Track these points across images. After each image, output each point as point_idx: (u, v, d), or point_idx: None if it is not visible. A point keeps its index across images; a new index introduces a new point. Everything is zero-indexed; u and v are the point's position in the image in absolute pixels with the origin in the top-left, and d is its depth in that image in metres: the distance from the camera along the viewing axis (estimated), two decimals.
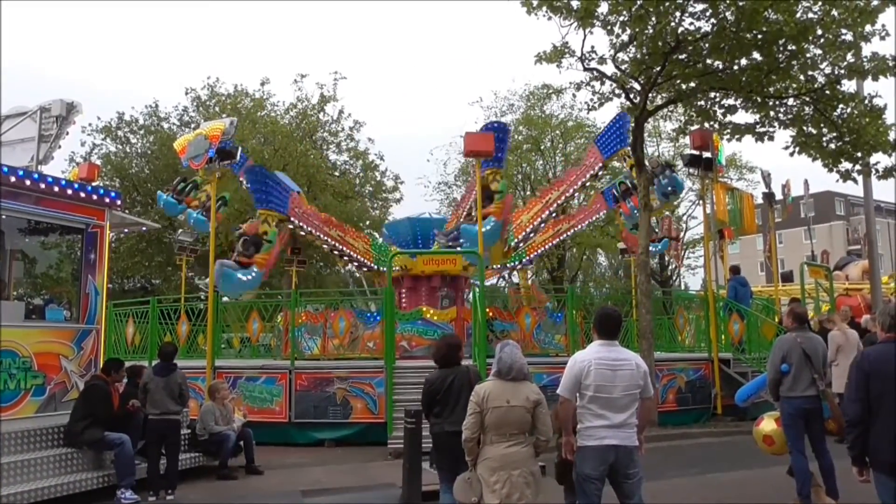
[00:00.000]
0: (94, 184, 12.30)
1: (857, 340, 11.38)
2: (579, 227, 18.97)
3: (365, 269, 18.47)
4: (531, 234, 17.66)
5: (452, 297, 17.03)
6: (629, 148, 15.60)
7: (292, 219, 16.04)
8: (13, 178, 8.80)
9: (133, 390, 9.42)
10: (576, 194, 17.30)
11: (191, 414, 10.88)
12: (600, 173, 16.94)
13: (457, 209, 18.82)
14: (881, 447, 4.58)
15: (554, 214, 17.72)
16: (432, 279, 17.43)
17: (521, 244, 17.62)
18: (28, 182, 9.01)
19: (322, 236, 17.11)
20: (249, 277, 14.00)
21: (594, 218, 19.01)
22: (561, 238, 18.58)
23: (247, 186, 15.82)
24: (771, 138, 13.19)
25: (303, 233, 16.92)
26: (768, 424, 7.93)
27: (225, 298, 15.84)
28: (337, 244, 17.45)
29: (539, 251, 18.82)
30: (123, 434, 8.74)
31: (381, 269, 17.67)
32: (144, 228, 14.71)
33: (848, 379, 5.02)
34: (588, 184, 17.06)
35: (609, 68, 12.95)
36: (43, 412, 9.01)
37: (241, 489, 9.63)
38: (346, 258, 17.99)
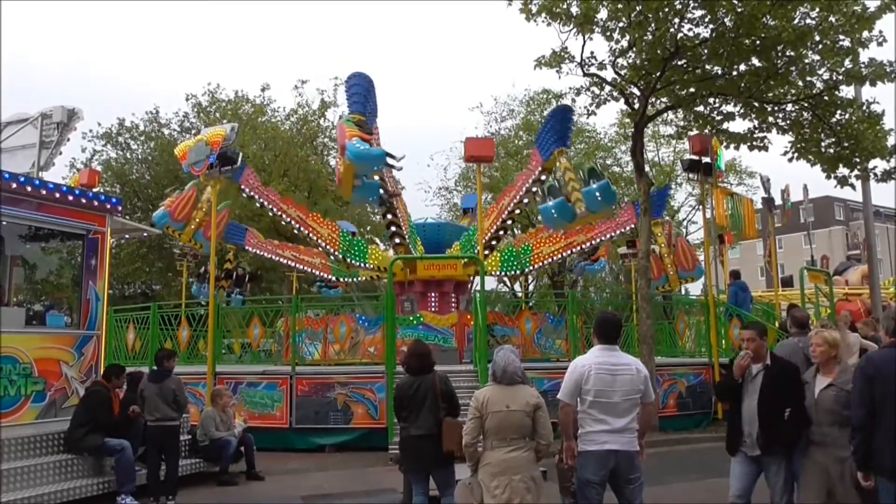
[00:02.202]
0: (94, 190, 12.33)
1: (857, 346, 11.38)
2: (599, 239, 18.16)
3: (332, 258, 18.38)
4: (493, 242, 17.57)
5: (414, 300, 16.95)
6: (567, 148, 15.17)
7: (243, 187, 16.76)
8: (14, 185, 8.82)
9: (133, 396, 9.41)
10: (524, 200, 16.80)
11: (191, 420, 10.87)
12: (543, 177, 16.07)
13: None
14: (884, 451, 4.60)
15: (510, 221, 17.54)
16: (438, 283, 17.44)
17: (486, 251, 17.47)
18: (29, 188, 9.03)
19: (276, 210, 17.22)
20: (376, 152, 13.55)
21: (619, 232, 18.15)
22: (574, 249, 18.12)
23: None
24: (765, 148, 13.24)
25: (257, 204, 17.51)
26: None
27: (226, 304, 15.88)
28: (294, 222, 17.43)
29: (547, 261, 18.56)
30: (124, 440, 8.72)
31: (350, 260, 17.67)
32: (145, 234, 14.74)
33: (852, 384, 5.05)
34: (534, 189, 16.39)
35: (609, 74, 13.00)
36: (43, 418, 9.00)
37: (242, 495, 9.62)
38: (310, 238, 17.85)
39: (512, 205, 16.85)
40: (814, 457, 5.39)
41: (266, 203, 17.09)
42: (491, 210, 18.07)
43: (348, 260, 17.73)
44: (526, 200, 16.78)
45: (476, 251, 15.19)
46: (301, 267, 19.28)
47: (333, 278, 18.19)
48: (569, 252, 17.97)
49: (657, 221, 15.69)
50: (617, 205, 16.18)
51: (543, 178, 15.56)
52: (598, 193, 13.42)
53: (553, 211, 14.09)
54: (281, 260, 19.20)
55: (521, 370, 5.53)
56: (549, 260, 18.15)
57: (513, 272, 18.82)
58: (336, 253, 17.65)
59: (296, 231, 17.83)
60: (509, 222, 17.54)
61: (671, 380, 14.40)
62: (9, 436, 8.33)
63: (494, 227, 17.15)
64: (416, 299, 16.67)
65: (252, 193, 16.99)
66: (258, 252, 18.16)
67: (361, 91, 15.05)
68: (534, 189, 16.06)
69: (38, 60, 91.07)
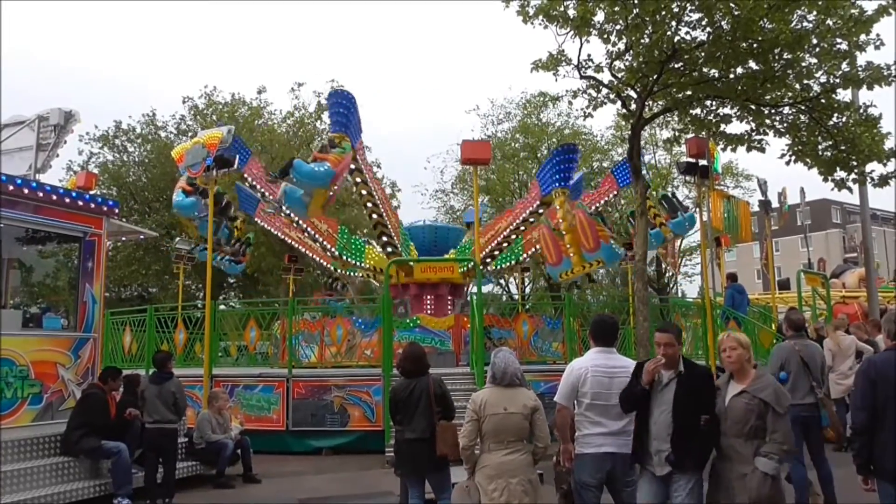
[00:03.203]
0: (91, 192, 12.30)
1: (852, 346, 11.42)
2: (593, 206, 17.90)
3: (389, 250, 18.24)
4: (488, 260, 17.57)
5: (408, 304, 17.00)
6: (568, 188, 14.70)
7: (245, 176, 16.83)
8: (11, 187, 8.82)
9: (130, 399, 9.40)
10: (520, 228, 16.82)
11: (188, 422, 10.86)
12: (540, 210, 16.02)
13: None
14: (885, 455, 4.59)
15: (505, 244, 17.56)
16: (433, 286, 17.46)
17: (485, 268, 17.43)
18: (26, 190, 9.02)
19: (373, 189, 17.11)
20: (322, 169, 13.76)
21: (603, 202, 18.43)
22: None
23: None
24: (762, 149, 13.25)
25: (358, 178, 16.98)
26: None
27: (223, 306, 15.85)
28: (380, 206, 17.31)
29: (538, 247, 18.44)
30: (120, 443, 8.72)
31: (346, 258, 17.67)
32: (142, 237, 14.72)
33: (854, 387, 5.03)
34: (532, 220, 16.38)
35: (605, 76, 12.99)
36: (40, 421, 8.99)
37: (239, 498, 9.61)
38: (380, 228, 17.79)
39: (508, 230, 16.87)
40: (717, 471, 5.02)
41: (267, 194, 17.11)
42: (488, 228, 18.04)
43: (344, 258, 17.73)
44: (522, 228, 16.76)
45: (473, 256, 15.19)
46: (303, 250, 18.91)
47: (337, 253, 17.95)
48: (496, 243, 17.55)
49: (562, 190, 14.99)
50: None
51: (541, 211, 15.55)
52: (686, 224, 15.59)
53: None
54: (285, 239, 18.84)
55: (520, 372, 5.54)
56: (485, 251, 18.00)
57: (508, 263, 18.76)
58: (332, 250, 17.64)
59: (294, 226, 17.85)
60: (505, 245, 17.54)
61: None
62: (5, 438, 8.33)
63: (489, 246, 17.18)
64: (409, 303, 16.70)
65: (255, 183, 17.02)
66: (254, 185, 17.59)
67: (343, 110, 15.10)
68: (531, 219, 16.13)
69: (35, 62, 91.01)
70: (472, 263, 14.38)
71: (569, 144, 16.17)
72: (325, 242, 17.53)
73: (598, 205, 17.62)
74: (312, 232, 17.46)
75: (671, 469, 4.99)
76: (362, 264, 17.85)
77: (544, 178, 15.45)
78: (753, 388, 4.89)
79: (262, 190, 17.30)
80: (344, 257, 17.69)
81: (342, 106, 14.90)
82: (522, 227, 16.68)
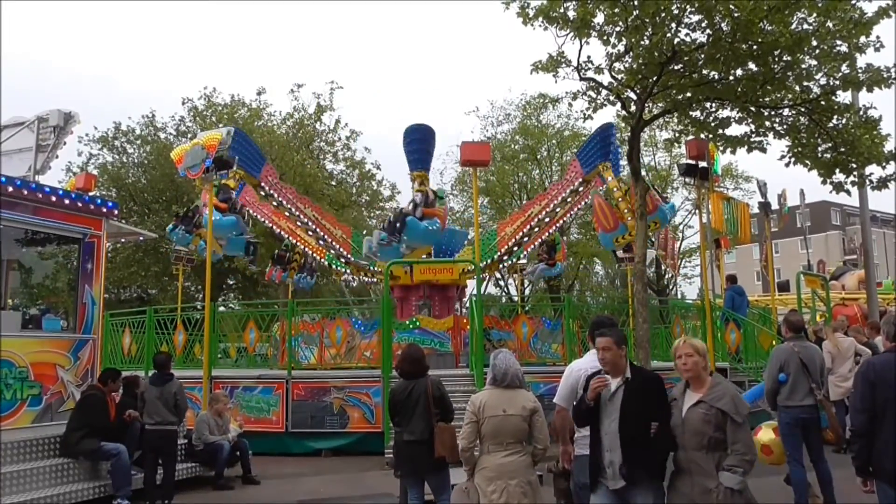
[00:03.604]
0: (91, 194, 12.29)
1: (851, 348, 11.42)
2: (552, 205, 17.43)
3: (343, 261, 18.31)
4: (514, 248, 17.54)
5: (430, 306, 17.06)
6: (610, 162, 15.42)
7: (262, 184, 16.64)
8: (10, 188, 8.81)
9: (129, 401, 9.41)
10: (556, 209, 16.80)
11: (187, 424, 10.85)
12: (580, 189, 16.30)
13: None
14: (885, 456, 4.58)
15: (536, 229, 17.51)
16: (429, 288, 17.46)
17: (506, 257, 17.47)
18: (25, 192, 9.01)
19: (294, 210, 17.19)
20: (435, 227, 14.45)
21: (568, 190, 17.37)
22: (532, 223, 17.79)
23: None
24: (763, 150, 13.25)
25: (274, 203, 17.24)
26: (766, 434, 7.94)
27: (222, 308, 15.85)
28: (311, 224, 17.39)
29: (513, 242, 18.41)
30: (120, 444, 8.72)
31: (359, 262, 17.70)
32: (141, 238, 14.69)
33: (853, 389, 5.02)
34: (569, 199, 16.61)
35: (605, 78, 12.98)
36: (39, 422, 8.97)
37: (238, 499, 9.61)
38: (321, 243, 17.88)
39: (544, 213, 16.80)
40: (677, 487, 4.69)
41: (284, 202, 17.09)
42: (516, 216, 18.04)
43: (358, 263, 17.80)
44: (559, 210, 16.79)
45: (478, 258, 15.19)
46: (318, 230, 18.20)
47: (352, 258, 17.95)
48: (528, 228, 17.40)
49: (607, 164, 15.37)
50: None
51: (581, 189, 15.67)
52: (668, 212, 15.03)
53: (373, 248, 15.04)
54: (297, 214, 17.78)
55: (520, 373, 5.54)
56: (514, 240, 17.92)
57: (485, 262, 18.70)
58: (348, 255, 17.73)
59: (310, 232, 17.85)
60: (536, 229, 17.46)
61: (668, 384, 14.33)
62: (5, 440, 8.33)
63: (520, 233, 17.14)
64: (431, 304, 16.77)
65: (271, 191, 16.98)
66: (272, 194, 17.05)
67: (422, 146, 15.20)
68: (569, 199, 16.24)
69: (34, 63, 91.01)
70: (480, 263, 14.36)
71: (608, 123, 16.04)
72: (340, 249, 17.59)
73: (563, 195, 16.95)
74: (329, 239, 17.50)
75: (625, 482, 4.73)
76: (374, 268, 17.90)
77: (586, 156, 15.75)
78: (710, 397, 4.64)
79: (280, 199, 17.20)
80: (358, 263, 17.76)
81: (421, 140, 14.93)
82: (558, 209, 16.72)
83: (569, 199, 16.42)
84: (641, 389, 4.87)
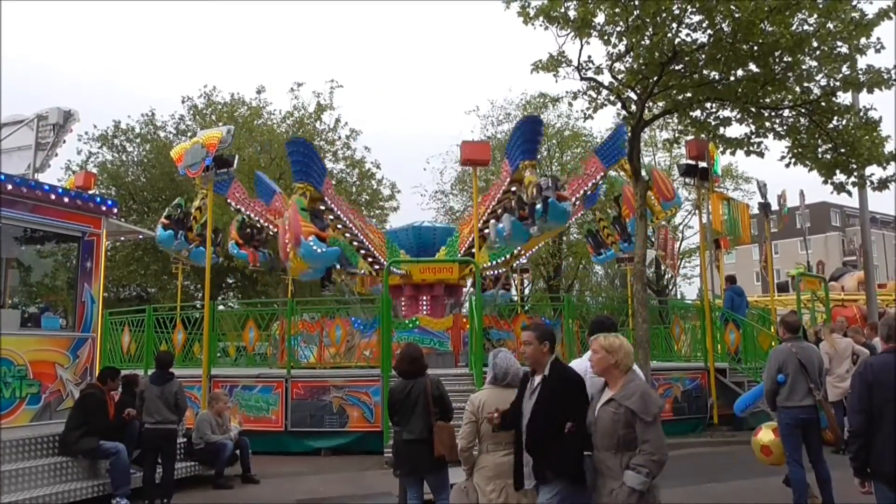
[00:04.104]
0: (90, 192, 12.30)
1: (849, 349, 11.44)
2: (574, 199, 17.16)
3: (377, 267, 18.19)
4: (473, 250, 17.44)
5: (453, 304, 17.08)
6: (531, 161, 15.20)
7: (325, 199, 16.20)
8: (10, 186, 8.80)
9: (128, 399, 9.39)
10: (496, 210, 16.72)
11: (187, 423, 10.84)
12: (512, 188, 16.08)
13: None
14: (883, 457, 4.58)
15: (485, 230, 17.32)
16: (434, 287, 17.45)
17: (469, 258, 17.39)
18: (25, 190, 9.01)
19: (348, 223, 17.07)
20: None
21: (590, 184, 17.49)
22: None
23: (288, 159, 15.59)
24: (761, 154, 13.26)
25: (331, 216, 16.71)
26: (766, 434, 7.95)
27: (222, 307, 15.87)
28: (358, 234, 17.38)
29: (539, 245, 18.37)
30: (119, 443, 8.70)
31: (344, 267, 17.71)
32: (141, 237, 14.71)
33: (851, 390, 5.02)
34: (588, 192, 16.73)
35: (606, 78, 12.99)
36: (38, 421, 8.98)
37: (237, 498, 9.61)
38: (363, 252, 17.86)
39: (486, 214, 16.64)
40: (597, 487, 4.56)
41: (342, 215, 16.86)
42: (470, 218, 17.99)
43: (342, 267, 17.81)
44: (498, 210, 16.59)
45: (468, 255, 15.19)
46: (364, 240, 17.92)
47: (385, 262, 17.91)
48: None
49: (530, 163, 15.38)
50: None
51: (514, 189, 15.38)
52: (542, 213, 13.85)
53: (504, 233, 14.56)
54: (350, 226, 17.41)
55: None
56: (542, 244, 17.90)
57: (503, 258, 18.60)
58: (383, 260, 17.75)
59: (355, 242, 17.76)
60: (486, 231, 17.33)
61: (667, 384, 14.40)
62: (4, 438, 8.31)
63: (472, 235, 17.06)
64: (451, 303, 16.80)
65: (331, 204, 16.59)
66: (332, 208, 16.73)
67: (302, 158, 15.04)
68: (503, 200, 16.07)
69: (34, 62, 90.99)
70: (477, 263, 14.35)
71: (532, 116, 15.91)
72: (377, 254, 17.57)
73: (585, 189, 16.99)
74: (368, 244, 17.45)
75: (536, 480, 4.67)
76: (357, 269, 17.94)
77: (512, 154, 15.61)
78: (621, 395, 4.48)
79: (338, 212, 16.91)
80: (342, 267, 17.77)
81: (300, 154, 14.97)
82: (499, 209, 16.61)
83: (588, 193, 16.74)
84: (558, 388, 4.80)
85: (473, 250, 15.38)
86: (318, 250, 13.46)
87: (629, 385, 4.50)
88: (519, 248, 17.14)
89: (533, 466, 4.72)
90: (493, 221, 15.43)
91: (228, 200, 16.97)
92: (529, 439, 4.74)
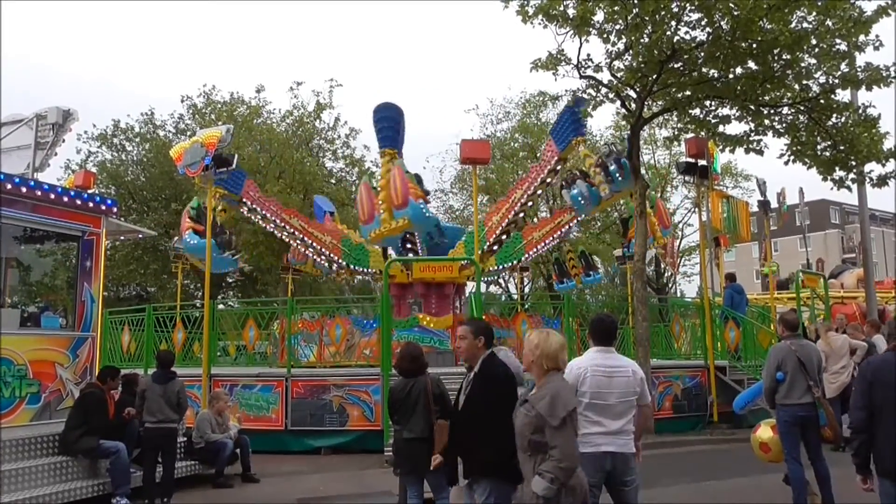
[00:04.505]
0: (90, 191, 12.29)
1: (845, 345, 11.46)
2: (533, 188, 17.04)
3: (337, 267, 18.30)
4: (503, 237, 17.44)
5: (421, 303, 17.07)
6: (582, 137, 15.42)
7: (244, 200, 16.77)
8: (9, 186, 8.80)
9: (128, 398, 9.38)
10: (538, 192, 16.69)
11: (187, 422, 10.84)
12: (558, 167, 16.15)
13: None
14: (885, 453, 4.62)
15: (521, 214, 17.32)
16: (430, 285, 17.43)
17: (496, 246, 17.41)
18: (24, 189, 9.00)
19: (279, 222, 17.22)
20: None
21: (546, 171, 16.71)
22: (563, 230, 17.73)
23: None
24: (760, 152, 13.27)
25: (258, 217, 17.35)
26: (765, 432, 7.95)
27: (221, 306, 15.87)
28: (297, 233, 17.42)
29: (542, 245, 18.34)
30: (119, 442, 8.70)
31: (353, 267, 17.70)
32: (140, 236, 14.72)
33: (854, 388, 5.05)
34: (549, 180, 16.48)
35: (605, 76, 13.01)
36: (38, 420, 8.98)
37: (237, 497, 9.61)
38: (311, 250, 17.91)
39: (525, 196, 16.61)
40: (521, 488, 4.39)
41: (269, 215, 17.07)
42: (501, 204, 17.90)
43: (351, 267, 17.77)
44: (540, 192, 16.74)
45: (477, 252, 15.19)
46: (306, 238, 17.87)
47: (345, 263, 17.93)
48: (513, 214, 16.95)
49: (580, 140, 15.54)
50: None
51: (559, 167, 15.61)
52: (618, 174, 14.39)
53: (581, 198, 15.07)
54: (283, 224, 17.58)
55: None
56: (543, 244, 17.89)
57: (510, 264, 18.65)
58: (340, 261, 17.69)
59: (297, 242, 17.79)
60: (521, 215, 17.31)
61: (667, 382, 14.42)
62: (3, 438, 8.30)
63: (506, 220, 16.99)
64: (421, 302, 16.72)
65: (254, 206, 16.94)
66: (255, 209, 17.19)
67: (392, 124, 15.04)
68: (548, 180, 16.15)
69: (33, 62, 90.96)
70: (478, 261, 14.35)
71: (573, 99, 15.67)
72: (331, 255, 17.57)
73: (542, 175, 16.46)
74: (318, 246, 17.48)
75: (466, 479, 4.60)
76: (369, 269, 17.89)
77: (559, 134, 15.75)
78: (534, 396, 4.31)
79: (264, 212, 17.22)
80: (351, 266, 17.74)
81: (391, 119, 15.00)
82: (539, 192, 16.69)
83: (548, 180, 16.32)
84: (487, 384, 4.75)
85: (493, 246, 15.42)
86: (427, 214, 14.13)
87: (545, 387, 4.32)
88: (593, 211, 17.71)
89: (464, 464, 4.67)
90: (565, 190, 15.82)
91: (243, 199, 16.89)
92: (457, 437, 4.68)
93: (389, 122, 14.93)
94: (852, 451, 4.81)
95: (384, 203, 13.77)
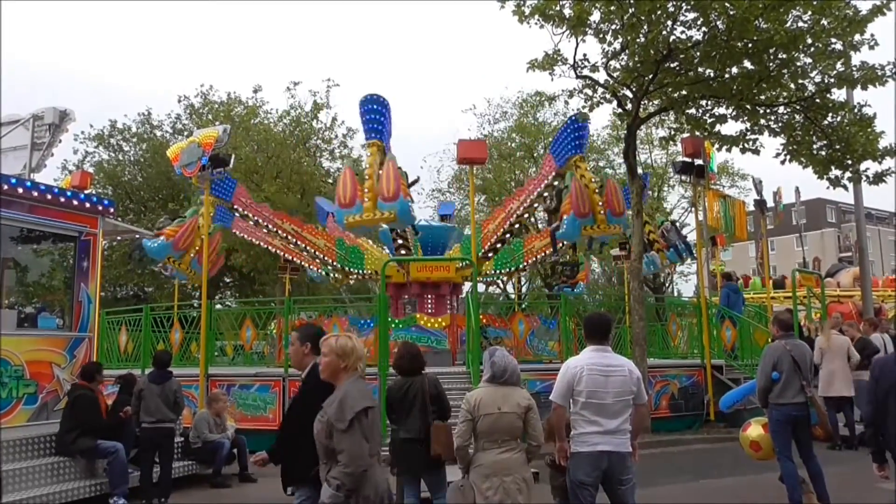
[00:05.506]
0: (86, 192, 12.27)
1: (844, 346, 11.48)
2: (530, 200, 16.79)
3: (329, 268, 18.37)
4: (498, 245, 17.44)
5: (415, 303, 17.10)
6: (582, 155, 15.05)
7: (236, 206, 16.87)
8: (6, 186, 8.79)
9: (126, 398, 9.39)
10: (535, 204, 16.61)
11: (184, 422, 10.84)
12: (555, 183, 15.97)
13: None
14: (893, 440, 5.01)
15: (517, 225, 17.32)
16: (426, 286, 17.45)
17: (490, 254, 17.42)
18: (21, 190, 8.99)
19: (271, 227, 17.28)
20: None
21: (544, 185, 16.42)
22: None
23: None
24: (756, 151, 13.29)
25: (250, 221, 17.49)
26: (755, 430, 7.98)
27: (219, 306, 15.85)
28: (290, 237, 17.47)
29: (542, 256, 18.42)
30: (117, 442, 8.70)
31: (347, 268, 17.70)
32: (137, 236, 14.68)
33: (867, 384, 5.48)
34: (545, 194, 16.35)
35: (601, 76, 13.04)
36: (35, 420, 8.97)
37: (235, 497, 9.61)
38: (305, 253, 17.99)
39: (521, 209, 16.63)
40: None
41: (260, 220, 17.09)
42: (497, 213, 17.93)
43: (346, 269, 17.77)
44: (536, 204, 16.63)
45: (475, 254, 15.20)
46: (299, 242, 17.94)
47: (339, 265, 17.98)
48: (508, 224, 16.80)
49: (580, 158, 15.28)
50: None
51: (556, 183, 15.48)
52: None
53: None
54: (274, 229, 17.58)
55: (518, 370, 5.56)
56: (543, 254, 17.95)
57: (507, 270, 18.70)
58: (334, 263, 17.70)
59: (291, 245, 17.82)
60: (517, 226, 17.33)
61: (663, 381, 14.44)
62: (1, 438, 8.29)
63: (501, 230, 17.01)
64: (416, 302, 16.73)
65: (246, 212, 16.96)
66: (247, 214, 17.27)
67: (377, 116, 15.01)
68: (545, 194, 16.05)
69: (32, 62, 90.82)
70: (476, 261, 14.35)
71: (574, 116, 15.55)
72: (325, 258, 17.60)
73: (539, 189, 16.23)
74: (311, 249, 17.50)
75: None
76: (364, 271, 17.91)
77: (558, 150, 15.48)
78: (327, 401, 4.17)
79: (256, 218, 17.28)
80: (346, 268, 17.75)
81: (377, 111, 14.97)
82: (536, 204, 16.60)
83: (545, 194, 16.21)
84: (310, 392, 4.74)
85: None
86: (412, 213, 14.42)
87: (337, 391, 4.20)
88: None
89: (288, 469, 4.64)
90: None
91: (235, 206, 16.91)
92: (280, 440, 4.71)
93: (375, 115, 14.91)
94: (867, 442, 5.16)
95: (370, 192, 13.78)
